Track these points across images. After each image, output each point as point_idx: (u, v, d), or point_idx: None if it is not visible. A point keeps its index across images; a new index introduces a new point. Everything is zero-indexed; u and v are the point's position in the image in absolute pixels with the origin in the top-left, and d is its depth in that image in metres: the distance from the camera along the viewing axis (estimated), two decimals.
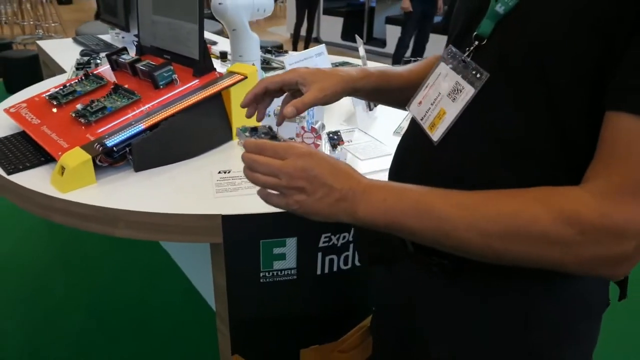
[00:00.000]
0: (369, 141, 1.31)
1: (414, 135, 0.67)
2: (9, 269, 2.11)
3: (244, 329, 1.09)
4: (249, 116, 0.83)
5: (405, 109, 0.72)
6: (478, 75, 0.56)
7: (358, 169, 0.59)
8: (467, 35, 0.59)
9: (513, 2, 0.53)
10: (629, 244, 0.44)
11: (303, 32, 6.25)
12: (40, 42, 2.46)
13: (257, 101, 0.80)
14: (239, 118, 1.28)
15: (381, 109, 1.50)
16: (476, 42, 0.57)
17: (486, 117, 0.56)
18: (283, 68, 1.71)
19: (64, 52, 2.26)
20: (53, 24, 6.57)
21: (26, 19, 6.74)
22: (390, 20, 6.42)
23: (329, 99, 0.73)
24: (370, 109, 1.47)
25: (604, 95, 0.47)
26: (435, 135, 0.60)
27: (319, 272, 1.05)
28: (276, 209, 0.61)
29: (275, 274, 1.02)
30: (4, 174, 1.08)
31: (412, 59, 2.69)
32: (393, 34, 6.03)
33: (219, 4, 1.50)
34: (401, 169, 0.69)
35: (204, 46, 1.26)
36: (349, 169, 0.58)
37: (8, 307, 1.88)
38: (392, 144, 1.28)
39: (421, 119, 0.64)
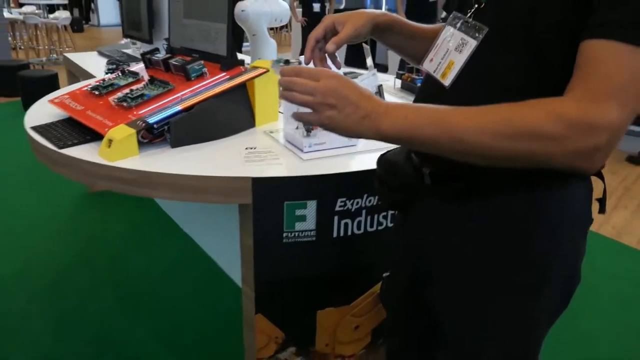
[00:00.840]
0: None
1: (428, 86, 0.82)
2: (33, 267, 2.21)
3: (267, 290, 1.20)
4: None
5: (415, 65, 0.85)
6: (478, 31, 0.70)
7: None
8: (467, 1, 0.75)
9: None
10: (602, 136, 0.56)
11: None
12: (68, 54, 2.64)
13: (314, 55, 0.92)
14: (261, 106, 1.43)
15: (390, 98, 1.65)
16: (475, 6, 0.72)
17: (486, 61, 0.69)
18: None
19: (91, 62, 2.43)
20: (67, 49, 6.84)
21: (41, 44, 7.03)
22: None
23: (359, 33, 0.88)
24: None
25: (581, 34, 0.59)
26: (447, 81, 0.75)
27: (335, 234, 1.17)
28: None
29: (296, 234, 1.14)
30: (55, 149, 1.22)
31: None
32: (395, 59, 6.28)
33: (242, 11, 1.68)
34: None
35: (231, 43, 1.42)
36: (372, 94, 0.70)
37: (34, 304, 1.98)
38: None
39: (434, 72, 0.78)
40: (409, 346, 0.98)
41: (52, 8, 9.15)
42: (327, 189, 1.13)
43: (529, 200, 0.71)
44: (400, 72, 2.06)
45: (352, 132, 0.68)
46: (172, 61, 1.47)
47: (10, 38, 6.61)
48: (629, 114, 0.57)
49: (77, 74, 2.50)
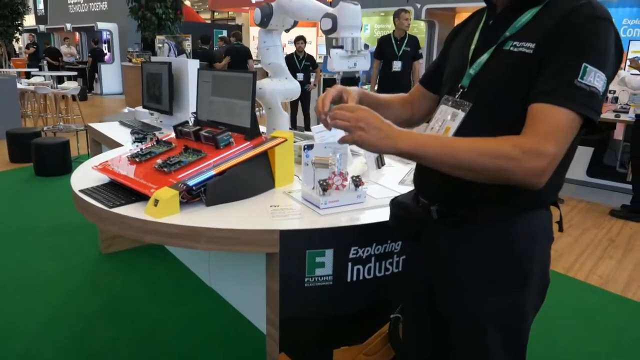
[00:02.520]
0: (380, 188, 1.68)
1: None
2: (58, 317, 2.34)
3: (290, 330, 1.37)
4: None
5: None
6: (465, 106, 1.01)
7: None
8: (454, 86, 1.07)
9: (478, 68, 1.02)
10: (545, 161, 0.86)
11: (301, 123, 6.88)
12: (93, 124, 2.90)
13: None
14: (280, 170, 1.65)
15: (387, 167, 1.89)
16: (461, 90, 1.04)
17: (473, 125, 1.01)
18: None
19: (115, 131, 2.69)
20: (74, 117, 7.18)
21: (49, 112, 7.37)
22: None
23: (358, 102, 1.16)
24: (379, 167, 1.86)
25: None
26: None
27: (348, 279, 1.36)
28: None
29: (316, 279, 1.33)
30: (106, 208, 1.42)
31: None
32: None
33: (260, 88, 1.95)
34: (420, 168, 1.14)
35: (254, 117, 1.67)
36: (391, 125, 0.97)
37: (60, 356, 2.09)
38: (398, 189, 1.64)
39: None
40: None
41: (60, 78, 9.63)
42: (342, 239, 1.33)
43: (511, 221, 1.01)
44: None
45: (376, 147, 0.96)
46: (203, 132, 1.71)
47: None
48: (561, 148, 0.88)
49: (101, 142, 2.75)
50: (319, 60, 8.92)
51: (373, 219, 1.38)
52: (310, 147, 1.51)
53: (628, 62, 4.34)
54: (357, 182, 1.49)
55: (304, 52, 6.75)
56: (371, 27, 8.25)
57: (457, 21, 4.69)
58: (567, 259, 3.20)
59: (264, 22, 1.92)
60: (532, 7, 0.97)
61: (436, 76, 1.21)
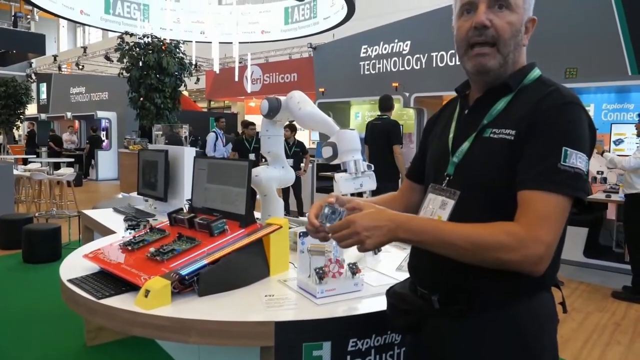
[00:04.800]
0: (378, 275, 1.64)
1: None
2: None
3: None
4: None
5: None
6: (454, 194, 1.02)
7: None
8: (439, 175, 1.08)
9: (461, 155, 1.04)
10: (542, 248, 0.88)
11: (293, 207, 6.91)
12: (86, 211, 2.89)
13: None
14: (275, 257, 1.62)
15: (384, 253, 1.86)
16: (447, 178, 1.05)
17: (462, 212, 1.01)
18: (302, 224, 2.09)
19: (108, 218, 2.67)
20: (68, 202, 7.17)
21: (43, 197, 7.38)
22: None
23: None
24: (375, 253, 1.84)
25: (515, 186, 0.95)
26: None
27: None
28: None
29: None
30: (94, 299, 1.37)
31: None
32: None
33: (256, 176, 1.97)
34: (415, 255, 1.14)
35: (250, 204, 1.67)
36: (383, 212, 0.98)
37: None
38: (395, 275, 1.61)
39: None
40: None
41: (56, 164, 9.76)
42: (339, 330, 1.28)
43: (516, 306, 0.99)
44: None
45: (382, 243, 0.97)
46: (197, 219, 1.70)
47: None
48: (556, 234, 0.90)
49: (94, 228, 2.72)
50: (312, 146, 9.16)
51: (371, 308, 1.34)
52: (305, 234, 1.49)
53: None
54: (354, 269, 1.46)
55: (294, 138, 6.95)
56: (362, 114, 8.59)
57: None
58: (574, 344, 3.07)
59: (269, 115, 1.99)
60: (504, 96, 1.04)
61: (421, 168, 1.24)
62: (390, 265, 1.76)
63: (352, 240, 0.97)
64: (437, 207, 1.05)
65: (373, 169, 1.78)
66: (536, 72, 1.05)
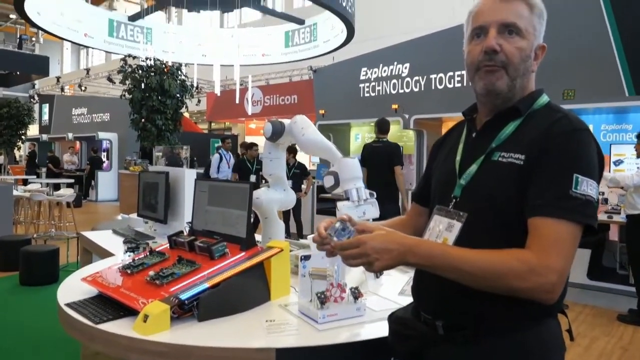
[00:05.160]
0: (380, 300, 1.62)
1: None
2: None
3: None
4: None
5: None
6: (461, 216, 1.01)
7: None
8: (445, 197, 1.07)
9: (469, 178, 1.03)
10: (554, 275, 0.88)
11: (293, 229, 6.87)
12: (85, 233, 2.87)
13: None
14: (276, 281, 1.60)
15: (386, 277, 1.84)
16: (454, 200, 1.05)
17: (469, 235, 1.01)
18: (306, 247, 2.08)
19: (107, 240, 2.65)
20: (67, 224, 7.15)
21: (42, 218, 7.35)
22: None
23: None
24: (377, 277, 1.81)
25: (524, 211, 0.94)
26: None
27: None
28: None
29: None
30: (92, 324, 1.35)
31: None
32: None
33: (257, 198, 1.96)
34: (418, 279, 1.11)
35: (250, 227, 1.65)
36: (393, 235, 0.96)
37: None
38: (398, 300, 1.58)
39: None
40: None
41: (56, 185, 9.75)
42: (341, 357, 1.25)
43: (522, 333, 0.97)
44: None
45: (391, 266, 0.97)
46: (198, 242, 1.68)
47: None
48: (567, 261, 0.90)
49: (92, 250, 2.69)
50: (312, 167, 9.16)
51: (374, 334, 1.31)
52: (307, 257, 1.48)
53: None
54: (356, 294, 1.43)
55: (294, 160, 6.96)
56: (362, 136, 8.62)
57: (444, 129, 4.91)
58: None
59: (272, 138, 1.99)
60: (512, 120, 1.03)
61: (428, 191, 1.23)
62: (392, 289, 1.74)
63: (360, 260, 0.96)
64: (444, 229, 1.05)
65: (375, 196, 1.77)
66: (545, 98, 1.06)
